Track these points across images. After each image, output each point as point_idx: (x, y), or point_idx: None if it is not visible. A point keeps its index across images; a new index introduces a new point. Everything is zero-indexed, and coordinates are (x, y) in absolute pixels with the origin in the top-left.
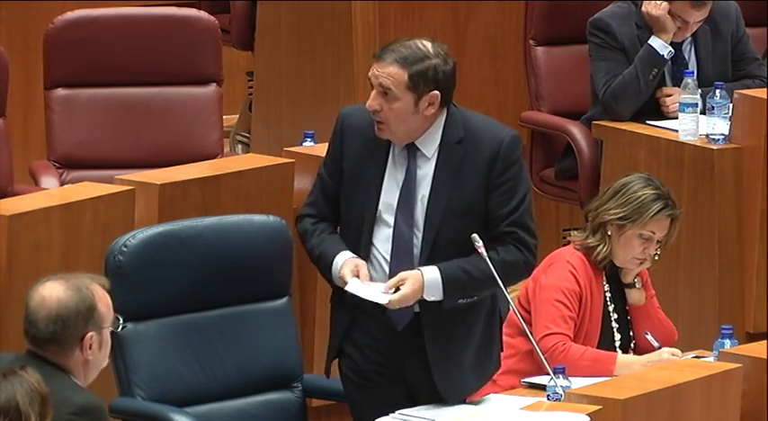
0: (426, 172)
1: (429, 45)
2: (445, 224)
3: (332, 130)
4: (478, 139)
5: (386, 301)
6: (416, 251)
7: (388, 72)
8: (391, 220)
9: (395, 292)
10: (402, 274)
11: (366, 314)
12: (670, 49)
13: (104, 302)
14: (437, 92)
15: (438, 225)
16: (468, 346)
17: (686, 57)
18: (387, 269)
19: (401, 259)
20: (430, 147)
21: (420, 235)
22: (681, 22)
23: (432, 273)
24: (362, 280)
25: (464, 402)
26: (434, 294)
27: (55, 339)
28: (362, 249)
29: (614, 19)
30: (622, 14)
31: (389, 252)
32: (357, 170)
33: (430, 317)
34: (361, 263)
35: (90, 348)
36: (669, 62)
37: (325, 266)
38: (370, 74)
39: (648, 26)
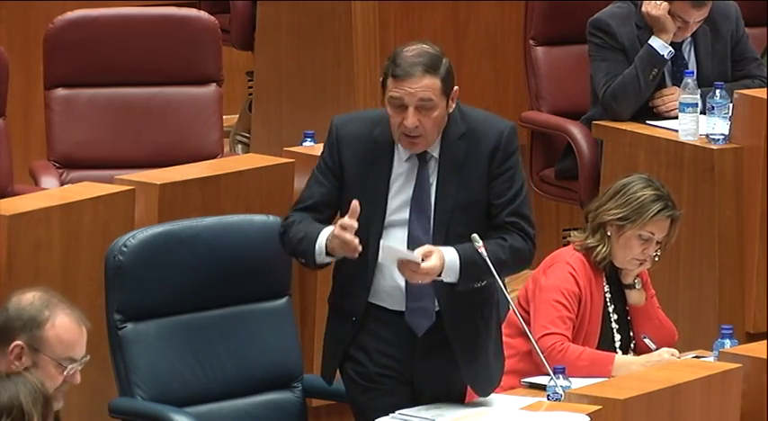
0: (432, 170)
1: (430, 46)
2: (453, 220)
3: (326, 140)
4: (479, 133)
5: (418, 258)
6: None
7: (425, 85)
8: (403, 224)
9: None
10: (428, 247)
11: (377, 320)
12: (670, 49)
13: (58, 333)
14: (456, 87)
15: (448, 222)
16: (489, 339)
17: (686, 57)
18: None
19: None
20: (435, 145)
21: (430, 234)
22: (681, 22)
23: (451, 254)
24: (347, 225)
25: (464, 403)
26: (451, 275)
27: None
28: (371, 253)
29: (614, 19)
30: (622, 14)
31: None
32: (360, 178)
33: (451, 317)
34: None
35: (17, 360)
36: (669, 62)
37: (309, 244)
38: (399, 95)
39: (648, 26)
